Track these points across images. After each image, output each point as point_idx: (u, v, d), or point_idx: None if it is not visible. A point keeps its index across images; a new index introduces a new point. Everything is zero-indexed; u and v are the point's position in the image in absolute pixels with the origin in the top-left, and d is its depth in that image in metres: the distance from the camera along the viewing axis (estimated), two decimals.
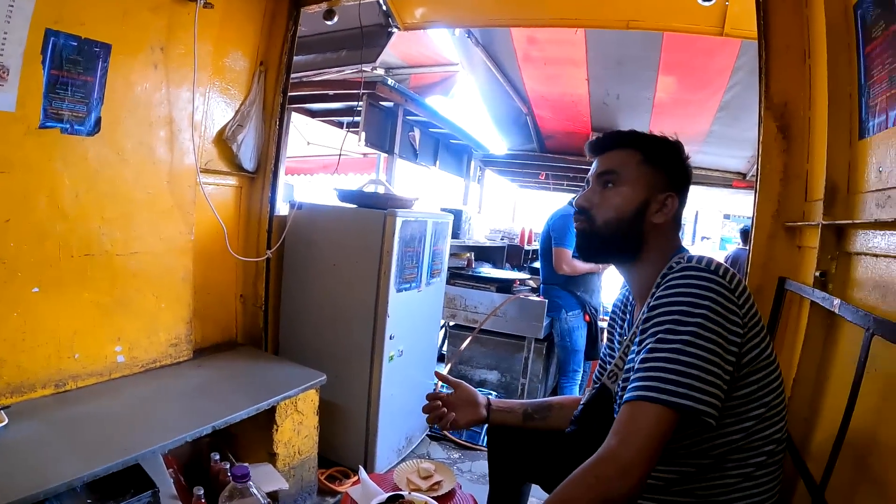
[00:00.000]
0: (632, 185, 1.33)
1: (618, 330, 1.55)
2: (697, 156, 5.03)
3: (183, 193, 2.35)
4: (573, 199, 4.53)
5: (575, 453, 1.49)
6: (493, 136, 5.61)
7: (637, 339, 1.21)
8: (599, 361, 1.65)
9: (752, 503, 1.19)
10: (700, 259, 1.18)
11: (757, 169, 2.13)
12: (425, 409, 1.66)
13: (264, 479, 2.19)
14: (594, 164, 1.40)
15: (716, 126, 4.31)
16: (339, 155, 3.74)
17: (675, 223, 1.37)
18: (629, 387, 1.10)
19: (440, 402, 1.66)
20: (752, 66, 3.22)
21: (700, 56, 3.41)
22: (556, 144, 5.63)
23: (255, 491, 1.57)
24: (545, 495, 1.71)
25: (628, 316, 1.49)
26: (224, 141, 2.59)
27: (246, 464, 2.17)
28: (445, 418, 1.62)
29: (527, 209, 9.07)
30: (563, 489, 1.04)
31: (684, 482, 1.22)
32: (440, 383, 2.48)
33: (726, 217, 11.66)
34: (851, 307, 1.32)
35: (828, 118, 1.64)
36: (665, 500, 1.24)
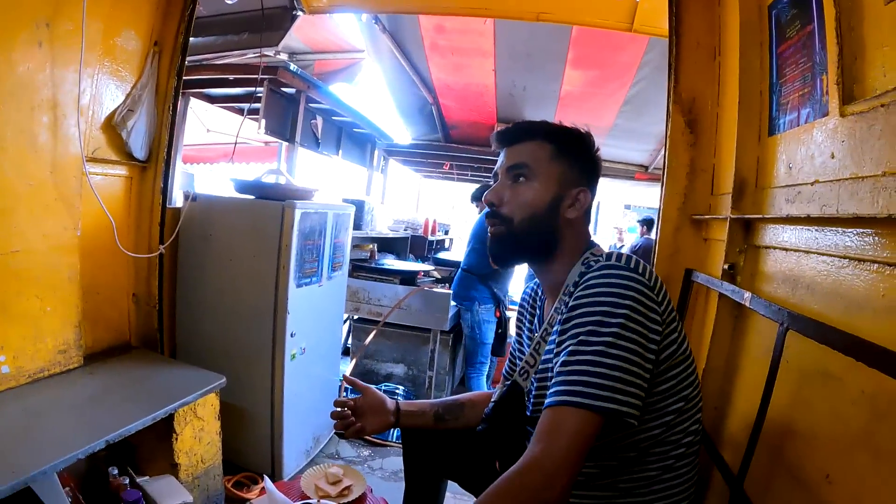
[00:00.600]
0: (544, 179, 1.27)
1: (526, 325, 1.51)
2: (602, 148, 5.07)
3: (68, 185, 2.09)
4: (475, 192, 4.58)
5: (487, 451, 1.49)
6: (397, 125, 5.54)
7: (553, 339, 1.17)
8: (509, 357, 1.60)
9: (672, 494, 1.19)
10: (619, 256, 1.15)
11: (664, 162, 2.17)
12: (333, 416, 1.55)
13: (166, 492, 2.02)
14: (502, 157, 1.33)
15: (620, 120, 4.43)
16: (235, 143, 3.49)
17: (587, 217, 1.34)
18: (550, 391, 1.06)
19: (347, 409, 1.56)
20: (658, 63, 3.32)
21: (608, 51, 3.48)
22: (460, 134, 5.62)
23: None
24: (460, 490, 1.69)
25: (538, 311, 1.45)
26: (113, 127, 2.34)
27: (138, 476, 2.00)
28: (352, 427, 1.53)
29: (431, 199, 9.07)
30: (487, 500, 1.00)
31: (606, 476, 1.20)
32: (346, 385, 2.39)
33: (627, 207, 12.18)
34: (764, 301, 1.35)
35: (738, 114, 1.69)
36: (588, 496, 1.22)
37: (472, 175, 6.40)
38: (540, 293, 1.47)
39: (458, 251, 6.94)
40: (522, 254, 1.34)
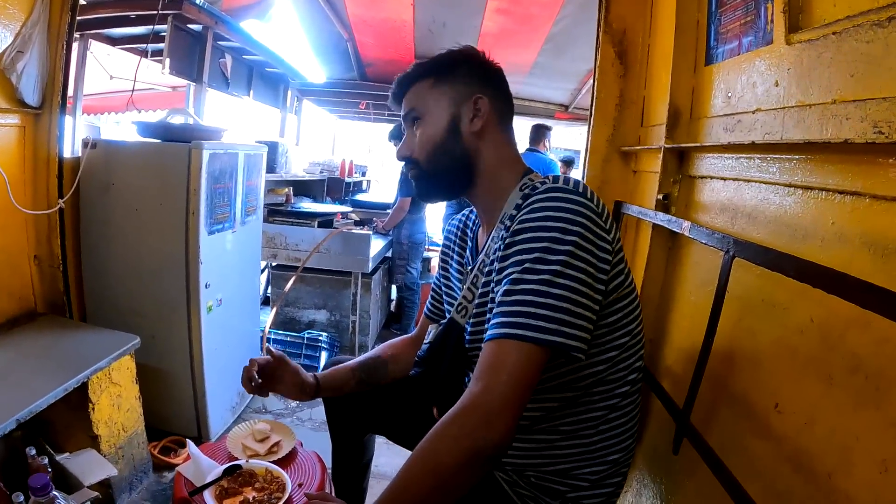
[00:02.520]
0: (432, 112, 1.24)
1: (455, 258, 1.44)
2: (521, 87, 5.09)
3: None
4: (393, 130, 4.49)
5: (422, 398, 1.43)
6: (311, 64, 5.22)
7: (496, 267, 1.09)
8: (431, 294, 1.56)
9: (617, 434, 1.19)
10: (567, 180, 1.09)
11: (593, 93, 2.14)
12: (244, 376, 1.47)
13: (88, 467, 1.88)
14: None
15: (541, 58, 4.34)
16: (133, 85, 3.14)
17: (503, 126, 1.28)
18: (492, 322, 0.99)
19: (260, 371, 1.47)
20: (582, 1, 3.25)
21: None
22: (376, 72, 5.38)
23: (63, 500, 1.32)
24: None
25: (470, 242, 1.39)
26: (1, 71, 2.05)
27: (57, 453, 1.84)
28: (265, 386, 1.47)
29: (347, 142, 8.80)
30: (427, 444, 0.93)
31: (549, 419, 1.18)
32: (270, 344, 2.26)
33: None
34: (705, 230, 1.33)
35: (674, 44, 1.65)
36: (531, 440, 1.20)
37: (388, 114, 6.20)
38: (471, 224, 1.42)
39: (376, 193, 6.82)
40: (442, 187, 1.30)
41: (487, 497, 1.19)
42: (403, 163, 1.32)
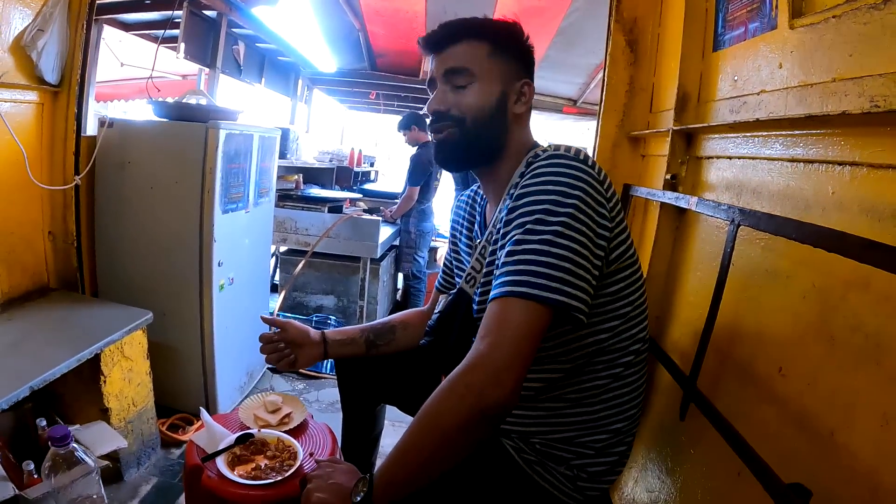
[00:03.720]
0: (487, 79, 1.21)
1: (464, 233, 1.47)
2: None
3: None
4: (403, 120, 4.51)
5: (432, 366, 1.46)
6: (322, 53, 5.26)
7: (501, 232, 1.12)
8: (443, 269, 1.59)
9: (621, 402, 1.22)
10: (568, 148, 1.12)
11: (603, 80, 2.19)
12: (263, 350, 1.50)
13: (99, 439, 1.92)
14: (434, 63, 1.26)
15: (551, 51, 4.37)
16: (153, 67, 3.19)
17: (530, 113, 1.31)
18: (496, 283, 1.01)
19: (274, 341, 1.51)
20: None
21: None
22: (387, 63, 5.42)
23: (83, 455, 1.36)
24: (398, 417, 1.68)
25: (478, 217, 1.42)
26: (23, 48, 2.08)
27: (68, 425, 1.88)
28: (285, 359, 1.50)
29: (355, 133, 8.85)
30: (433, 403, 0.95)
31: (554, 388, 1.21)
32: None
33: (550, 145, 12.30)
34: (711, 203, 1.39)
35: (683, 32, 1.70)
36: (536, 408, 1.24)
37: (398, 105, 6.24)
38: (479, 199, 1.45)
39: (383, 183, 6.86)
40: (473, 155, 1.27)
41: (495, 462, 1.22)
42: (433, 118, 1.26)
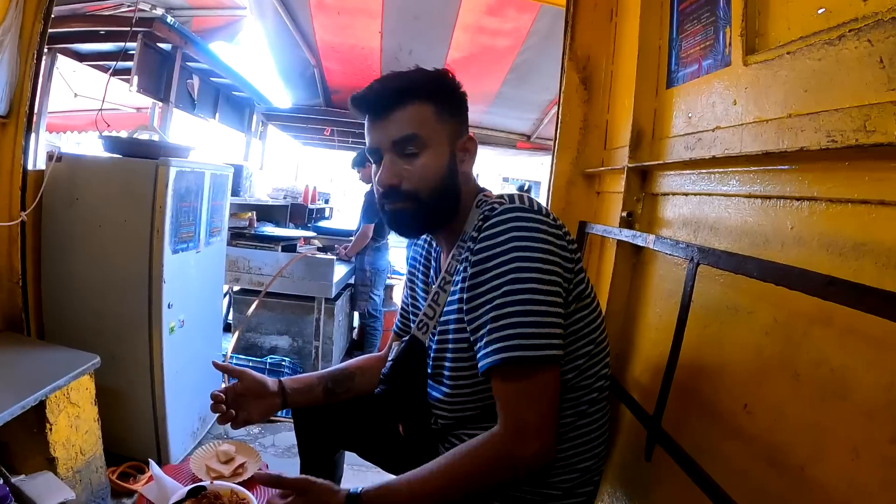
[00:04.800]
0: (435, 144, 1.17)
1: (420, 276, 1.43)
2: (484, 116, 5.17)
3: None
4: (357, 157, 4.49)
5: (388, 415, 1.42)
6: (277, 89, 5.26)
7: (455, 289, 1.14)
8: (400, 314, 1.54)
9: (587, 440, 1.20)
10: (521, 198, 1.13)
11: (557, 117, 2.21)
12: (213, 410, 1.35)
13: (45, 490, 1.81)
14: (376, 129, 1.18)
15: (505, 88, 4.43)
16: (103, 99, 3.08)
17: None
18: (490, 348, 1.02)
19: (224, 401, 1.34)
20: (547, 31, 3.34)
21: (498, 17, 3.46)
22: (342, 99, 5.38)
23: None
24: (357, 461, 1.61)
25: (433, 262, 1.39)
26: None
27: (13, 475, 1.77)
28: (237, 419, 1.35)
29: (310, 170, 8.79)
30: (468, 460, 1.04)
31: None
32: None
33: (505, 180, 12.49)
34: (669, 241, 1.39)
35: (637, 69, 1.72)
36: None
37: (352, 142, 6.22)
38: (434, 245, 1.41)
39: (338, 221, 6.80)
40: (433, 222, 1.24)
41: None
42: (384, 192, 1.20)
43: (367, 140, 1.22)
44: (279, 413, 3.13)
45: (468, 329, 1.10)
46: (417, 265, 1.46)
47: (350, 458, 1.68)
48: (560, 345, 1.03)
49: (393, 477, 1.09)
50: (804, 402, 0.96)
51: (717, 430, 1.18)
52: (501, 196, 1.17)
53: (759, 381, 1.08)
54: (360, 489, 1.03)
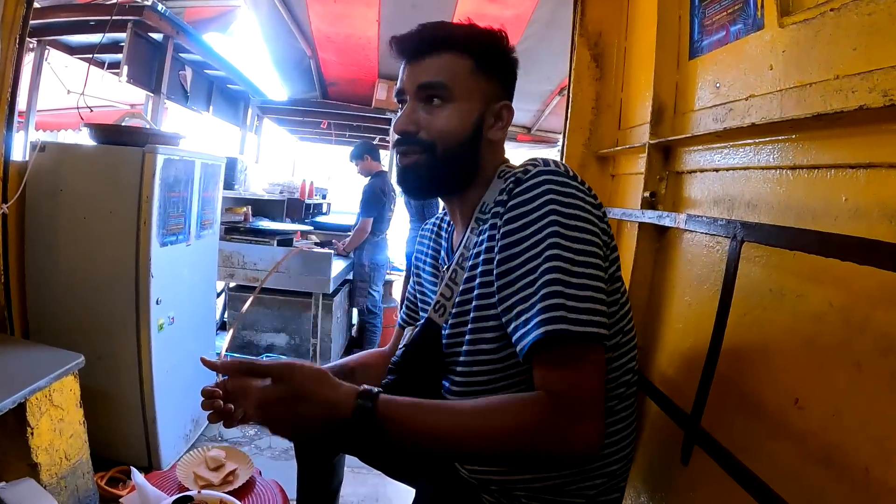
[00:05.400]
0: (466, 99, 1.09)
1: (429, 262, 1.34)
2: None
3: None
4: (355, 150, 4.40)
5: None
6: (273, 81, 5.18)
7: (489, 258, 1.01)
8: (406, 303, 1.44)
9: (616, 440, 1.10)
10: (557, 163, 1.01)
11: (568, 97, 2.11)
12: (204, 407, 1.24)
13: (27, 498, 1.69)
14: (407, 73, 1.12)
15: None
16: (84, 87, 2.97)
17: (505, 135, 1.19)
18: (538, 320, 0.88)
19: (218, 397, 1.19)
20: (547, 20, 3.25)
21: (498, 4, 3.36)
22: (339, 92, 5.29)
23: None
24: (358, 464, 1.47)
25: (444, 243, 1.29)
26: None
27: None
28: (233, 416, 1.18)
29: (307, 166, 8.70)
30: (500, 411, 0.89)
31: None
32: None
33: None
34: (706, 218, 1.27)
35: (657, 41, 1.61)
36: None
37: (349, 135, 6.13)
38: (445, 225, 1.32)
39: (336, 215, 6.68)
40: (441, 184, 1.15)
41: None
42: (398, 139, 1.13)
43: (397, 83, 1.15)
44: None
45: (498, 307, 0.99)
46: (424, 253, 1.37)
47: (350, 461, 1.57)
48: (606, 324, 0.90)
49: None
50: (867, 395, 0.85)
51: (763, 428, 1.06)
52: (533, 160, 1.05)
53: (812, 372, 0.96)
54: (374, 391, 0.90)
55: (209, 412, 1.14)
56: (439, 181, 1.14)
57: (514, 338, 0.93)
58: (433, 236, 1.36)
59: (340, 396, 0.89)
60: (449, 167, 1.11)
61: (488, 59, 1.11)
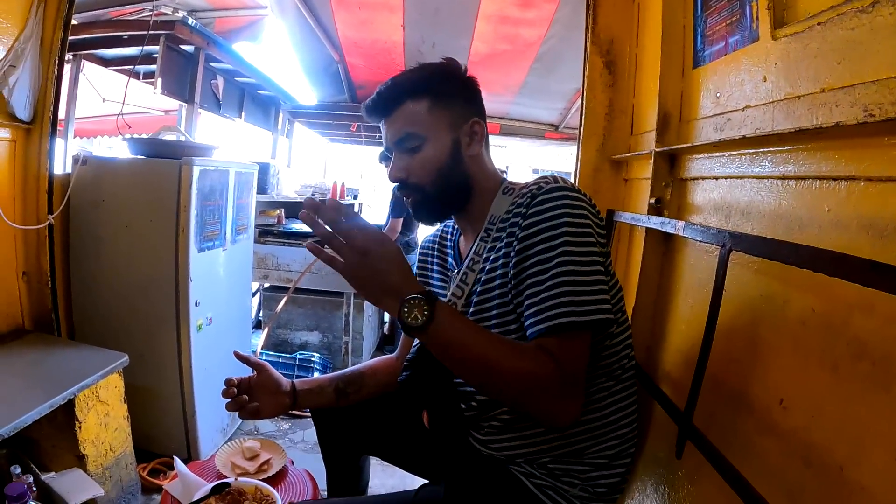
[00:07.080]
0: (434, 135, 1.20)
1: (436, 267, 1.44)
2: (511, 107, 5.08)
3: None
4: (384, 152, 4.48)
5: (412, 402, 1.45)
6: (302, 86, 5.25)
7: (507, 262, 1.11)
8: None
9: (623, 405, 1.21)
10: (564, 180, 1.13)
11: (582, 104, 2.14)
12: (224, 395, 1.39)
13: (74, 487, 1.82)
14: (384, 131, 1.25)
15: (531, 77, 4.35)
16: (123, 101, 3.14)
17: (487, 143, 1.30)
18: (545, 315, 1.01)
19: (238, 389, 1.40)
20: (569, 20, 3.27)
21: (520, 6, 3.40)
22: (368, 94, 5.28)
23: None
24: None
25: (450, 250, 1.40)
26: None
27: (43, 472, 1.78)
28: (247, 407, 1.38)
29: (338, 166, 8.82)
30: (511, 360, 0.98)
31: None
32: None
33: (535, 172, 12.39)
34: (699, 227, 1.32)
35: (661, 49, 1.65)
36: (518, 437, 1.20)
37: (379, 137, 6.20)
38: (450, 233, 1.43)
39: (367, 216, 6.79)
40: (446, 209, 1.30)
41: (505, 491, 1.19)
42: (396, 185, 1.27)
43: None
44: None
45: (513, 301, 1.11)
46: (431, 262, 1.47)
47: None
48: (610, 309, 1.03)
49: None
50: (844, 397, 0.90)
51: (751, 426, 1.12)
52: (544, 177, 1.17)
53: (796, 374, 1.02)
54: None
55: (227, 400, 1.34)
56: (441, 208, 1.28)
57: (528, 323, 1.05)
58: (437, 247, 1.46)
59: (407, 285, 1.00)
60: (444, 195, 1.24)
61: (442, 90, 1.21)
